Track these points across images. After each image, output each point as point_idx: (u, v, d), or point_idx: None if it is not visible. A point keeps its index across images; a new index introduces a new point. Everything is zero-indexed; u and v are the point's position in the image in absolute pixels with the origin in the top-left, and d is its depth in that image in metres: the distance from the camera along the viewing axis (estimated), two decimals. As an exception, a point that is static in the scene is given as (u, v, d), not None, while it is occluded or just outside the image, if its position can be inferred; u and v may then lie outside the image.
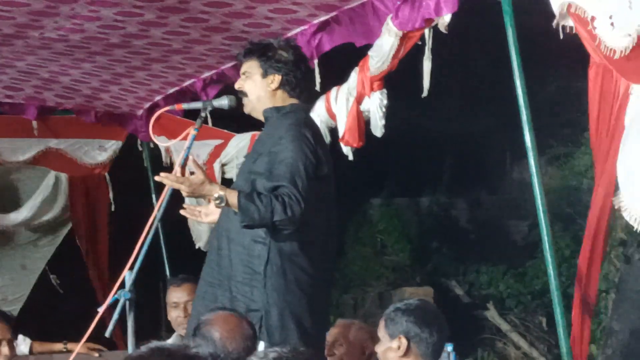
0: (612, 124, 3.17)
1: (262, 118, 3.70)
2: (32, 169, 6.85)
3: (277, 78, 3.62)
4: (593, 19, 3.03)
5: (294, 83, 3.65)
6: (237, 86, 3.72)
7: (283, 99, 3.65)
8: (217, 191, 3.37)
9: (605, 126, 3.20)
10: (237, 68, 5.22)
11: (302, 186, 3.37)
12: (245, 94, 3.68)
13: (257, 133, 5.59)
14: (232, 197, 3.35)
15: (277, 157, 3.45)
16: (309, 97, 3.96)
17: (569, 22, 3.26)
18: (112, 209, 6.99)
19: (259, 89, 3.64)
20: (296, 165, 3.41)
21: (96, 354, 5.17)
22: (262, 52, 3.65)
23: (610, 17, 2.95)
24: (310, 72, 3.82)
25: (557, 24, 3.30)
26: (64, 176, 6.89)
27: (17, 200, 6.89)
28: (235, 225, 3.47)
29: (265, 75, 3.63)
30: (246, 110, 3.73)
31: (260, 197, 3.34)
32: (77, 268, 7.11)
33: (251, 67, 3.66)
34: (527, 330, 8.64)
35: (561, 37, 3.32)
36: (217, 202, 3.37)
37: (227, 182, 5.90)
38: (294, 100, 3.67)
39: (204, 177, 3.40)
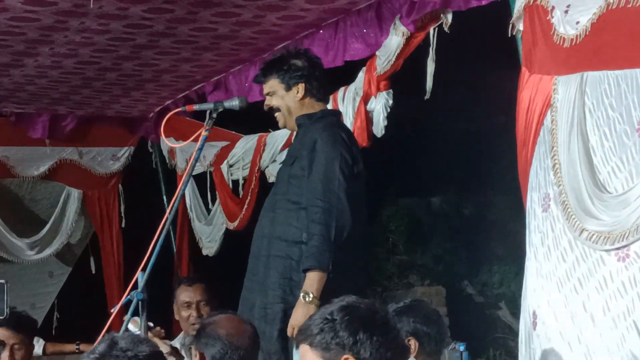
0: (536, 131, 3.21)
1: (295, 128, 3.81)
2: (47, 185, 6.88)
3: (301, 87, 3.73)
4: (553, 8, 3.11)
5: (317, 86, 3.76)
6: (266, 107, 3.82)
7: (312, 105, 3.76)
8: (304, 299, 3.42)
9: (531, 135, 3.24)
10: (244, 71, 5.30)
11: (339, 186, 3.48)
12: (275, 110, 3.78)
13: (264, 134, 5.64)
14: (312, 279, 3.41)
15: (313, 159, 3.56)
16: (328, 94, 4.06)
17: (520, 25, 3.35)
18: (123, 224, 7.01)
19: (287, 102, 3.75)
20: (332, 168, 3.51)
21: None
22: (278, 67, 3.75)
23: (567, 7, 3.03)
24: (324, 70, 3.90)
25: (512, 25, 3.39)
26: (77, 193, 6.91)
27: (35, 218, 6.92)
28: (277, 229, 3.60)
29: (289, 88, 3.74)
30: (280, 124, 3.85)
31: (312, 242, 3.44)
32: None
33: (273, 87, 3.77)
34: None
35: (508, 35, 3.42)
36: (314, 299, 3.41)
37: (234, 184, 5.92)
38: (321, 104, 3.79)
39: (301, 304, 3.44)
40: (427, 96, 4.03)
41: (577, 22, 2.96)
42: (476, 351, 7.49)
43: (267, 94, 3.79)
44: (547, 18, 3.13)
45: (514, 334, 8.62)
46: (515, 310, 8.68)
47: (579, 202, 2.93)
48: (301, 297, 3.41)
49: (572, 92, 3.00)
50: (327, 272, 3.42)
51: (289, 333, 3.45)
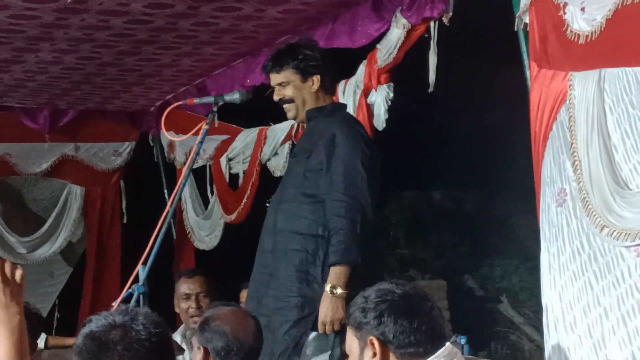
0: (548, 125, 3.21)
1: (305, 121, 3.77)
2: (49, 181, 6.87)
3: (317, 78, 3.67)
4: (565, 5, 3.10)
5: (330, 78, 3.73)
6: (276, 97, 3.74)
7: (323, 98, 3.72)
8: (332, 292, 3.40)
9: (542, 129, 3.25)
10: (246, 64, 5.30)
11: (362, 180, 3.47)
12: (288, 101, 3.71)
13: (264, 128, 5.63)
14: (338, 273, 3.40)
15: (332, 153, 3.53)
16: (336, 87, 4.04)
17: (526, 18, 3.34)
18: (124, 220, 7.01)
19: (303, 93, 3.68)
20: (354, 162, 3.50)
21: None
22: (293, 58, 3.67)
23: (582, 3, 3.02)
24: (334, 62, 3.86)
25: (519, 18, 3.38)
26: (79, 191, 6.89)
27: (36, 217, 6.90)
28: (291, 223, 3.57)
29: (305, 79, 3.67)
30: (290, 115, 3.78)
31: (337, 237, 3.42)
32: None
33: (287, 77, 3.68)
34: (541, 323, 8.61)
35: (519, 29, 3.42)
36: (341, 292, 3.41)
37: (233, 177, 5.93)
38: (330, 97, 3.76)
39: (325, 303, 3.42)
40: (430, 89, 4.01)
41: (594, 20, 2.94)
42: (477, 345, 7.49)
43: (280, 84, 3.71)
44: (559, 14, 3.11)
45: (515, 327, 8.65)
46: (516, 304, 8.71)
47: (601, 199, 2.91)
48: (328, 290, 3.40)
49: (590, 89, 2.98)
50: (356, 265, 3.41)
51: (320, 330, 3.44)
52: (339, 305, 3.38)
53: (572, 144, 3.05)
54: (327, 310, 3.40)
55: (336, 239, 3.43)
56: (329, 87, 3.74)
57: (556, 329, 3.12)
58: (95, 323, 2.10)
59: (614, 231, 2.85)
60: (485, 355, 8.28)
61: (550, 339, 3.16)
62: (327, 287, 3.40)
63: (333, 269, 3.42)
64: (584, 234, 3.00)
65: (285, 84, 3.69)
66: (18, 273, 2.34)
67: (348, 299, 3.22)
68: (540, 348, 8.31)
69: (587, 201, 2.97)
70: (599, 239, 2.93)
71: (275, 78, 3.72)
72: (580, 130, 3.01)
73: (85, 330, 2.10)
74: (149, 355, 2.05)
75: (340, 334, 3.37)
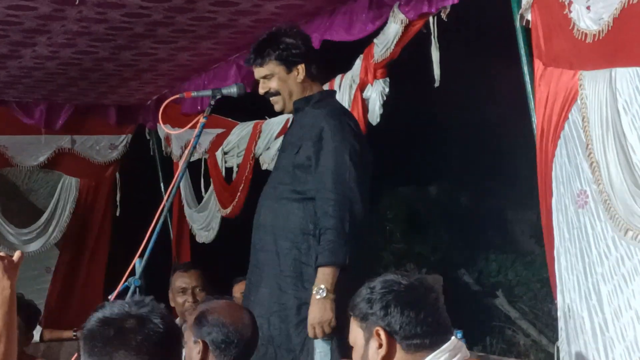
0: (558, 124, 3.18)
1: (292, 112, 3.69)
2: (45, 174, 6.86)
3: (302, 67, 3.57)
4: (570, 3, 3.08)
5: (315, 65, 3.62)
6: (262, 90, 3.64)
7: (310, 87, 3.62)
8: (318, 294, 3.32)
9: (551, 128, 3.21)
10: (242, 59, 5.28)
11: (350, 177, 3.39)
12: (274, 93, 3.62)
13: (260, 122, 5.63)
14: (326, 274, 3.32)
15: (321, 148, 3.44)
16: (326, 74, 3.97)
17: (528, 16, 3.32)
18: (117, 213, 7.02)
19: (289, 85, 3.59)
20: (342, 158, 3.41)
21: None
22: (275, 47, 3.56)
23: (587, 2, 2.99)
24: (317, 48, 3.80)
25: (521, 16, 3.37)
26: (75, 182, 6.88)
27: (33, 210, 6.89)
28: (282, 221, 3.50)
29: (289, 70, 3.57)
30: (278, 108, 3.67)
31: (326, 236, 3.35)
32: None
33: (271, 69, 3.58)
34: (536, 317, 8.64)
35: (517, 26, 3.42)
36: (328, 293, 3.33)
37: (229, 171, 5.94)
38: (318, 85, 3.66)
39: (314, 310, 3.35)
40: (436, 84, 3.94)
41: (601, 19, 2.92)
42: (473, 339, 7.51)
43: (264, 77, 3.61)
44: (564, 12, 3.08)
45: (511, 322, 8.66)
46: (512, 299, 8.72)
47: (622, 201, 2.87)
48: (314, 292, 3.32)
49: (601, 89, 2.95)
50: (344, 265, 3.34)
51: (310, 334, 3.36)
52: (327, 307, 3.30)
53: (587, 145, 3.00)
54: (315, 312, 3.32)
55: (324, 239, 3.35)
56: (315, 75, 3.62)
57: (582, 330, 3.07)
58: (110, 310, 2.08)
59: (639, 234, 2.81)
60: (480, 349, 8.30)
61: (577, 341, 3.11)
62: (314, 289, 3.32)
63: (320, 270, 3.34)
64: (610, 237, 2.95)
65: (270, 77, 3.59)
66: (16, 254, 2.36)
67: (341, 301, 3.17)
68: (535, 343, 8.33)
69: (608, 204, 2.92)
70: (625, 242, 2.88)
71: (258, 71, 3.62)
72: (595, 132, 2.97)
73: (98, 315, 2.07)
74: (164, 348, 2.05)
75: (337, 338, 3.32)
